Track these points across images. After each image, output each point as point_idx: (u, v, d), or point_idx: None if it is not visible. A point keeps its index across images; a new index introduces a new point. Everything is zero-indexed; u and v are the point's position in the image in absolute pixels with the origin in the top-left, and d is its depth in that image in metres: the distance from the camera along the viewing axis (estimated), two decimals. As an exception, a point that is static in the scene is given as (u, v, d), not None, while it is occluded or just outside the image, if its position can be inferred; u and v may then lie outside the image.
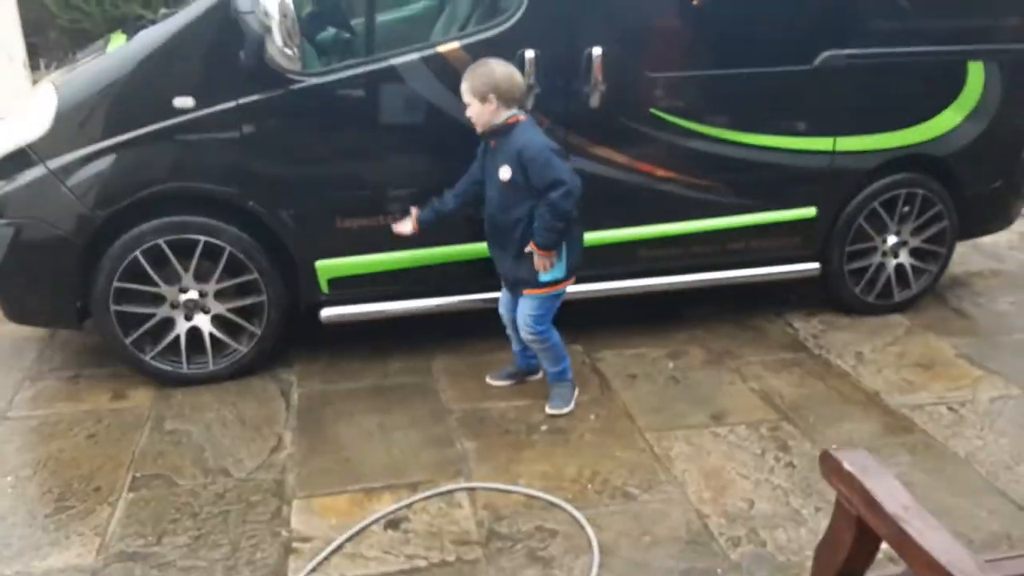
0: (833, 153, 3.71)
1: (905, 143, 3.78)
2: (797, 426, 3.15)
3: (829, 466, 1.56)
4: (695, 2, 3.47)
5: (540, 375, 3.39)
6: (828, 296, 4.09)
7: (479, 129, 2.95)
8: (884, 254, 4.00)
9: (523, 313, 3.10)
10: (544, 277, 3.00)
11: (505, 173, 2.90)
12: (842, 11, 3.55)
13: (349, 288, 3.43)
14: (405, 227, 3.18)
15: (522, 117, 2.94)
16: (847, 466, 1.51)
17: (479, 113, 2.90)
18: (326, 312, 3.44)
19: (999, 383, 3.48)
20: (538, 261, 2.95)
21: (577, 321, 3.67)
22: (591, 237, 3.48)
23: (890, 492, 1.45)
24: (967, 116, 3.83)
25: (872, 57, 3.60)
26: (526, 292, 3.07)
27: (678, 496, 2.74)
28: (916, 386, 3.45)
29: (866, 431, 3.14)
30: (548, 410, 3.20)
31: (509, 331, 3.32)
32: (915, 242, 4.02)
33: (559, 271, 3.02)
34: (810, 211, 3.79)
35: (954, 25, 3.71)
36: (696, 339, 3.85)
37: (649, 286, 3.77)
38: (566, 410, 3.21)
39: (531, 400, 3.28)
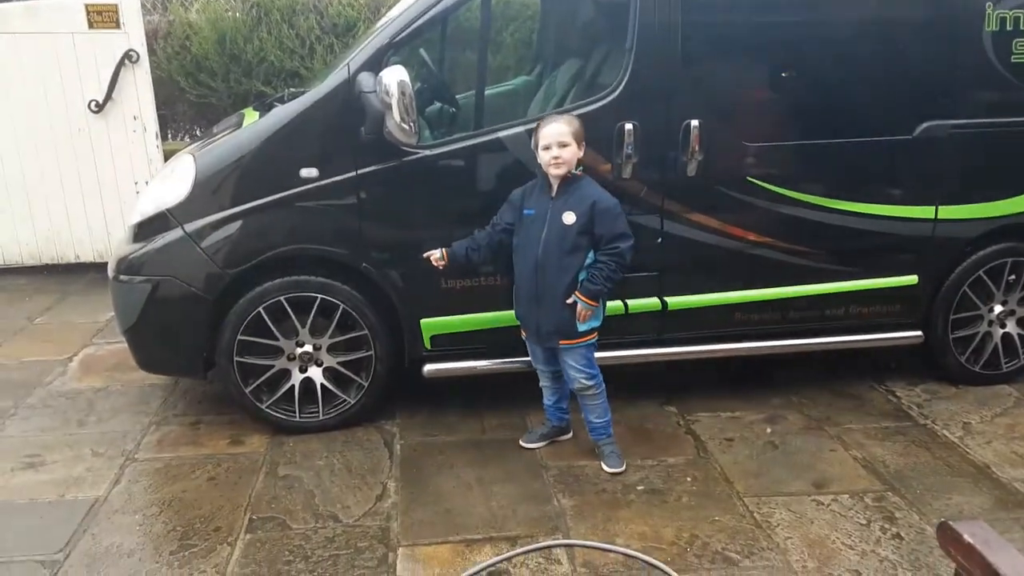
0: (935, 221, 3.69)
1: (1008, 212, 3.74)
2: (903, 497, 3.08)
3: (948, 537, 1.53)
4: (784, 74, 3.56)
5: (571, 435, 3.46)
6: (932, 365, 4.00)
7: (562, 171, 3.03)
8: (991, 323, 3.91)
9: (574, 366, 3.18)
10: (583, 327, 3.11)
11: (570, 218, 3.02)
12: (942, 82, 3.58)
13: (451, 345, 3.59)
14: (435, 255, 3.25)
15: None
16: (968, 538, 1.47)
17: (572, 156, 3.03)
18: (428, 367, 3.60)
19: (1121, 460, 3.32)
20: (583, 310, 3.05)
21: (670, 384, 3.70)
22: (688, 301, 3.55)
23: (1014, 565, 1.42)
24: (1072, 186, 3.75)
25: (973, 127, 3.61)
26: (565, 344, 3.15)
27: (780, 564, 2.71)
28: (1030, 460, 3.33)
29: (977, 504, 3.04)
30: (607, 469, 3.24)
31: (544, 383, 3.39)
32: (1022, 311, 3.91)
33: (597, 320, 3.15)
34: (912, 279, 3.76)
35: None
36: (793, 405, 3.82)
37: (747, 349, 3.79)
38: (624, 467, 3.25)
39: (626, 461, 3.32)
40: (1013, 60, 3.58)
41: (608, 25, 3.72)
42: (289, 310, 3.43)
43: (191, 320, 3.42)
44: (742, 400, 3.85)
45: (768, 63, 3.59)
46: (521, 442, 3.47)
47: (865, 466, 3.30)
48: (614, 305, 3.49)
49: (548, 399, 3.43)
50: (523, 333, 3.35)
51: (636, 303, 3.60)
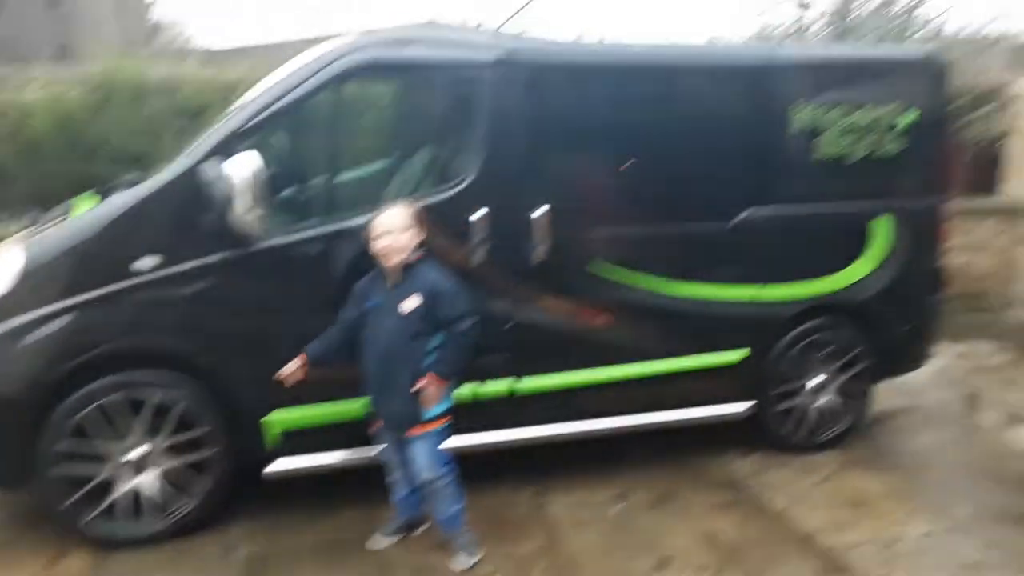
0: (758, 301, 4.02)
1: (822, 291, 4.13)
2: (738, 570, 3.25)
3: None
4: (621, 168, 3.82)
5: (428, 524, 3.42)
6: (763, 435, 4.29)
7: (393, 261, 3.06)
8: (810, 394, 4.26)
9: (425, 455, 3.15)
10: (436, 411, 3.13)
11: (410, 305, 3.04)
12: (760, 173, 3.96)
13: (301, 440, 3.47)
14: (292, 368, 3.19)
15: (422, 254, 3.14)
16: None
17: (405, 244, 3.05)
18: (270, 468, 3.46)
19: (925, 520, 3.65)
20: (433, 393, 3.07)
21: (525, 466, 3.75)
22: (539, 383, 3.63)
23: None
24: (876, 266, 4.21)
25: (787, 214, 3.99)
26: (418, 431, 3.13)
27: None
28: (849, 525, 3.60)
29: (804, 573, 3.25)
30: (454, 568, 3.21)
31: (394, 476, 3.34)
32: (838, 383, 4.30)
33: (446, 403, 3.18)
34: (740, 355, 4.05)
35: (860, 185, 4.14)
36: (640, 481, 3.97)
37: (592, 430, 3.92)
38: (476, 559, 3.24)
39: (480, 550, 3.30)
40: (816, 154, 4.01)
41: (460, 115, 3.85)
42: (120, 411, 3.21)
43: (8, 425, 3.13)
44: (594, 478, 3.96)
45: (610, 153, 3.81)
46: (368, 545, 3.37)
47: (705, 540, 3.46)
48: (466, 390, 3.52)
49: (400, 492, 3.38)
50: (374, 425, 3.30)
51: (488, 387, 3.65)
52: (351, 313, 3.20)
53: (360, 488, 3.73)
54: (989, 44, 10.71)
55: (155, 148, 5.76)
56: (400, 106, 4.98)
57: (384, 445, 3.31)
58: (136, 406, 3.24)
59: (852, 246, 4.17)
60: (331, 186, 3.55)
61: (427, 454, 3.16)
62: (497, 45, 3.59)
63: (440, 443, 3.21)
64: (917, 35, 10.09)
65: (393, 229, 3.04)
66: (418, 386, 3.07)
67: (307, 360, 3.18)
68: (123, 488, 3.29)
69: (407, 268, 3.09)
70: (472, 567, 3.22)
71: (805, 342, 4.17)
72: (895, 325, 4.35)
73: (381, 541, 3.38)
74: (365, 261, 3.38)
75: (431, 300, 3.05)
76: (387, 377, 3.11)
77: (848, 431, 4.37)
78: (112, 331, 3.19)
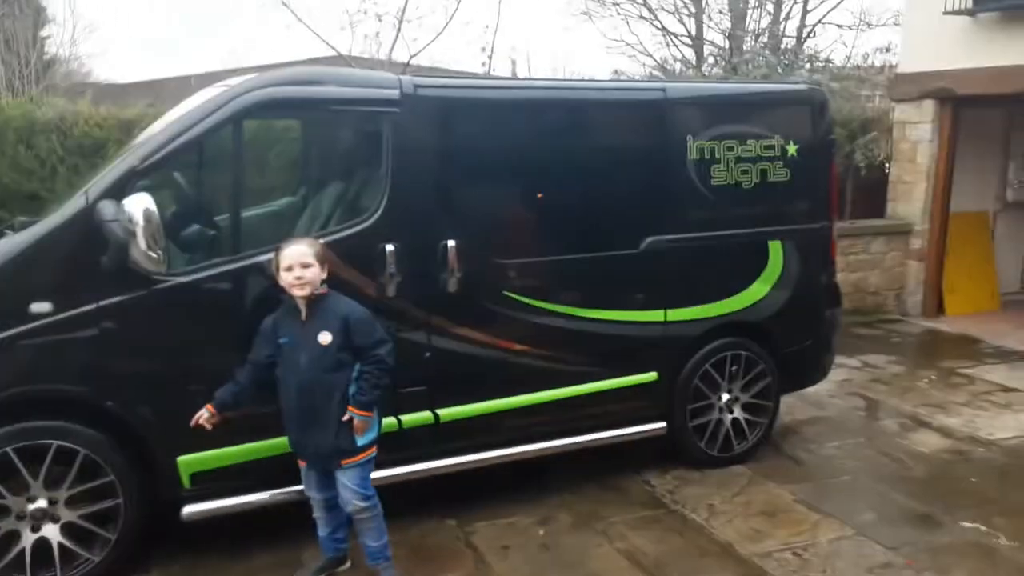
0: (665, 323, 4.16)
1: (723, 312, 4.31)
2: (663, 583, 3.32)
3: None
4: (539, 195, 3.92)
5: (348, 564, 3.37)
6: (679, 452, 4.41)
7: (306, 292, 3.02)
8: (720, 410, 4.41)
9: (350, 486, 3.12)
10: (362, 441, 3.11)
11: (325, 338, 3.02)
12: (660, 203, 4.12)
13: (214, 481, 3.37)
14: (204, 416, 3.11)
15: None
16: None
17: (316, 276, 3.03)
18: (188, 509, 3.34)
19: (835, 525, 3.82)
20: (359, 423, 3.06)
21: (449, 495, 3.74)
22: (458, 411, 3.65)
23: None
24: (773, 286, 4.43)
25: (686, 241, 4.16)
26: (345, 464, 3.11)
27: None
28: (763, 534, 3.73)
29: (724, 582, 3.35)
30: None
31: (318, 514, 3.29)
32: (745, 398, 4.47)
33: (374, 431, 3.17)
34: (652, 375, 4.18)
35: (754, 211, 4.36)
36: (564, 503, 4.01)
37: (513, 455, 3.94)
38: None
39: (405, 584, 3.28)
40: (712, 183, 4.22)
41: (365, 150, 3.87)
42: (18, 461, 3.05)
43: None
44: (518, 503, 3.98)
45: (515, 186, 3.93)
46: None
47: (628, 558, 3.52)
48: (388, 422, 3.50)
49: (323, 530, 3.31)
50: (300, 462, 3.24)
51: (409, 418, 3.63)
52: (261, 353, 3.14)
53: (280, 526, 3.63)
54: (873, 74, 11.49)
55: (49, 187, 5.56)
56: (309, 140, 4.97)
57: (307, 483, 3.25)
58: (37, 457, 3.07)
59: (747, 270, 4.38)
60: (236, 223, 3.49)
61: (357, 484, 3.12)
62: (400, 82, 3.63)
63: (368, 473, 3.17)
64: (804, 69, 10.71)
65: (308, 260, 3.02)
66: (346, 417, 3.04)
67: (215, 410, 3.11)
68: (25, 542, 3.11)
69: (315, 301, 3.07)
70: None
71: (712, 360, 4.32)
72: (794, 341, 4.56)
73: None
74: (271, 297, 3.35)
75: (345, 330, 3.04)
76: (310, 412, 3.07)
77: (759, 444, 4.54)
78: (7, 378, 3.04)
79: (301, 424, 3.10)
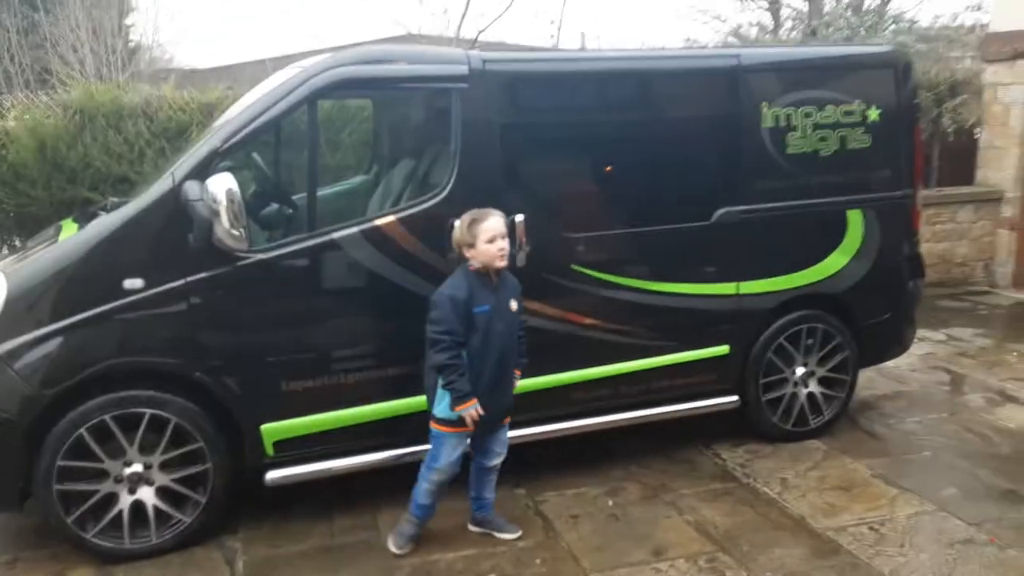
0: (738, 296, 4.10)
1: (799, 284, 4.22)
2: (732, 555, 3.31)
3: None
4: (608, 168, 3.90)
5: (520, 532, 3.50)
6: (751, 426, 4.36)
7: (506, 263, 3.23)
8: (795, 384, 4.33)
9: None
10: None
11: (515, 305, 3.28)
12: (732, 173, 4.04)
13: (295, 449, 3.52)
14: (473, 413, 3.17)
15: None
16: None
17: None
18: (271, 475, 3.50)
19: (914, 500, 3.73)
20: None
21: (518, 466, 3.81)
22: (528, 384, 3.70)
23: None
24: (852, 257, 4.30)
25: (760, 212, 4.08)
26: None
27: (625, 636, 2.81)
28: (838, 508, 3.67)
29: (796, 556, 3.31)
30: (510, 536, 3.45)
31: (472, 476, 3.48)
32: (822, 372, 4.37)
33: None
34: (724, 349, 4.13)
35: (832, 180, 4.24)
36: (632, 475, 4.02)
37: (583, 426, 3.98)
38: (396, 551, 3.35)
39: (478, 548, 3.36)
40: (787, 152, 4.11)
41: (435, 127, 3.92)
42: (115, 429, 3.25)
43: (4, 448, 3.16)
44: (585, 475, 4.01)
45: (583, 160, 3.93)
46: (394, 549, 3.36)
47: (698, 529, 3.52)
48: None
49: (475, 492, 3.49)
50: (460, 429, 3.23)
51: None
52: (463, 329, 3.16)
53: (358, 491, 3.78)
54: (963, 34, 10.91)
55: (137, 169, 5.80)
56: (380, 119, 5.06)
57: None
58: (132, 424, 3.27)
59: (825, 241, 4.26)
60: (312, 200, 3.60)
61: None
62: (468, 57, 3.66)
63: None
64: (889, 30, 10.24)
65: (505, 232, 3.19)
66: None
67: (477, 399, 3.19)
68: (123, 504, 3.31)
69: (500, 271, 3.24)
70: (517, 537, 3.44)
71: (788, 333, 4.24)
72: (873, 314, 4.43)
73: (402, 550, 3.38)
74: (348, 271, 3.45)
75: (520, 296, 3.31)
76: (503, 374, 3.27)
77: (835, 419, 4.45)
78: (104, 351, 3.23)
79: (493, 387, 3.24)
